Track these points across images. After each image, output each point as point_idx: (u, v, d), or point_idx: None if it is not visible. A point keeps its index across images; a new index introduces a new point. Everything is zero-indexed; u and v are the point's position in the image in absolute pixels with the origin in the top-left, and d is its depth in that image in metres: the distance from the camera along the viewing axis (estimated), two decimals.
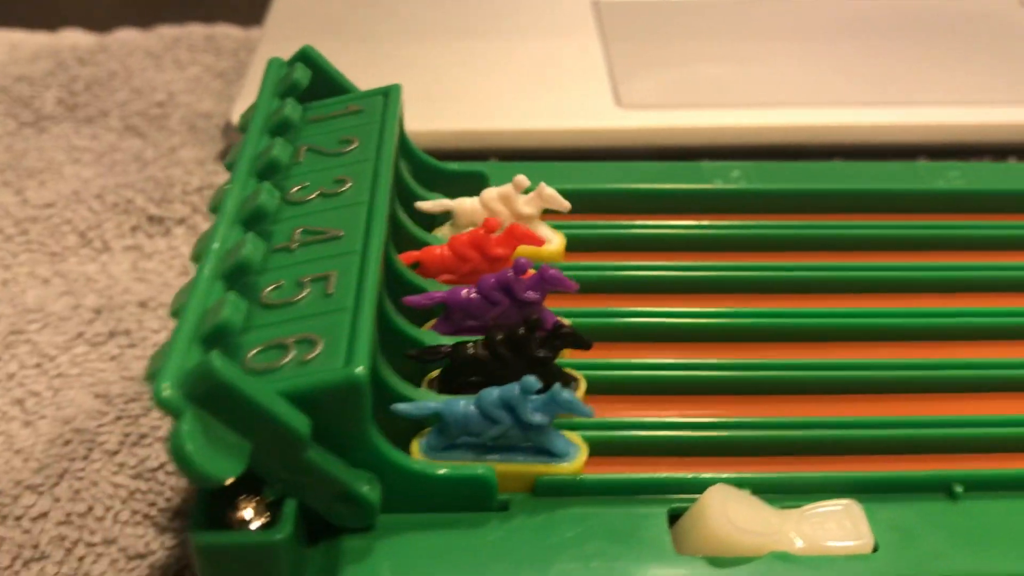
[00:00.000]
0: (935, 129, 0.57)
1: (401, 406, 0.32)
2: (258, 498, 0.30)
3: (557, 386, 0.32)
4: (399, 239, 0.39)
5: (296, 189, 0.37)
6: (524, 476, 0.33)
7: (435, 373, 0.36)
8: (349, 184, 0.36)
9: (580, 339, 0.35)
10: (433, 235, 0.40)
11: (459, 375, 0.35)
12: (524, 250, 0.40)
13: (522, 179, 0.41)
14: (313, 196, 0.36)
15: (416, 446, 0.33)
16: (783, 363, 0.38)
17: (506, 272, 0.37)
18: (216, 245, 0.32)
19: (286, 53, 0.42)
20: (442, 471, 0.32)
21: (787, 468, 0.34)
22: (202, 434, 0.27)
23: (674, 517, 0.33)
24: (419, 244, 0.39)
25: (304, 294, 0.32)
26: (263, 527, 0.30)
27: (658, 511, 0.33)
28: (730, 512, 0.32)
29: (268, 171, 0.35)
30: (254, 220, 0.34)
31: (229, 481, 0.27)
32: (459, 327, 0.37)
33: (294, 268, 0.33)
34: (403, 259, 0.39)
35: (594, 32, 0.66)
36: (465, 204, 0.41)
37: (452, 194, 0.43)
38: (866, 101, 0.59)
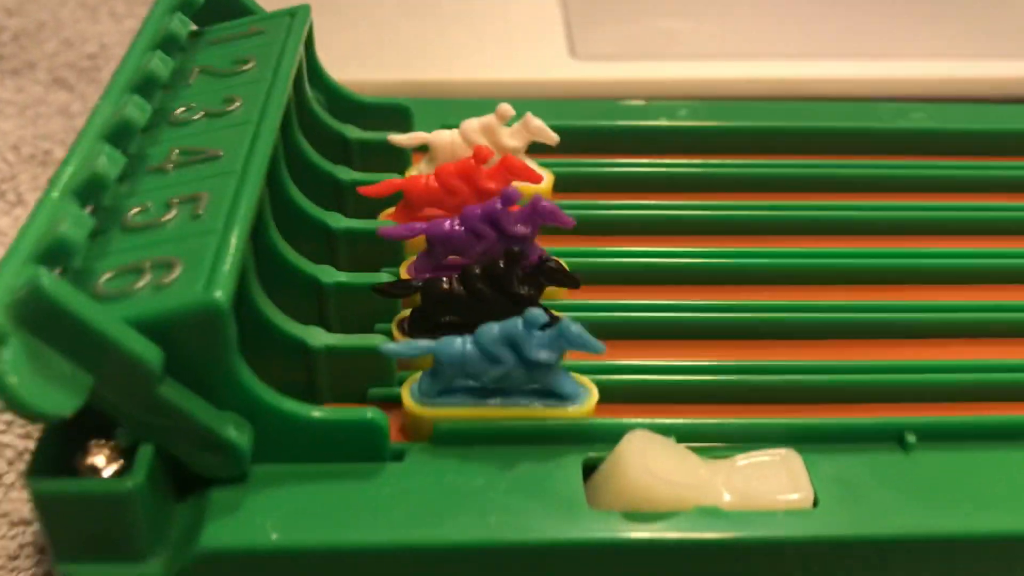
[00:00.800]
0: (905, 83, 0.53)
1: (389, 345, 0.29)
2: (113, 443, 0.27)
3: (566, 319, 0.28)
4: (300, 170, 0.35)
5: (181, 110, 0.33)
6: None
7: (405, 312, 0.32)
8: (238, 104, 0.33)
9: (567, 276, 0.31)
10: (342, 168, 0.36)
11: (432, 314, 0.31)
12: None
13: (506, 108, 0.37)
14: (198, 117, 0.33)
15: (406, 392, 0.30)
16: (725, 304, 0.34)
17: (494, 202, 0.33)
18: (72, 165, 0.29)
19: None
20: (322, 415, 0.28)
21: (721, 415, 0.31)
22: (30, 363, 0.23)
23: (592, 468, 0.29)
24: (324, 176, 0.36)
25: (170, 216, 0.29)
26: (115, 475, 0.26)
27: (572, 460, 0.29)
28: (650, 461, 0.28)
29: (145, 86, 0.32)
30: (120, 136, 0.30)
31: (68, 415, 0.24)
32: (441, 264, 0.34)
33: (165, 190, 0.30)
34: (384, 188, 0.35)
35: None
36: (443, 137, 0.38)
37: (372, 128, 0.39)
38: (831, 54, 0.55)
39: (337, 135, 0.38)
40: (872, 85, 0.52)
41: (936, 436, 0.30)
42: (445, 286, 0.31)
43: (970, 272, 0.36)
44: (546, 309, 0.31)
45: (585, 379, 0.31)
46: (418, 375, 0.30)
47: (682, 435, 0.30)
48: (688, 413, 0.31)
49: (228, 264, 0.26)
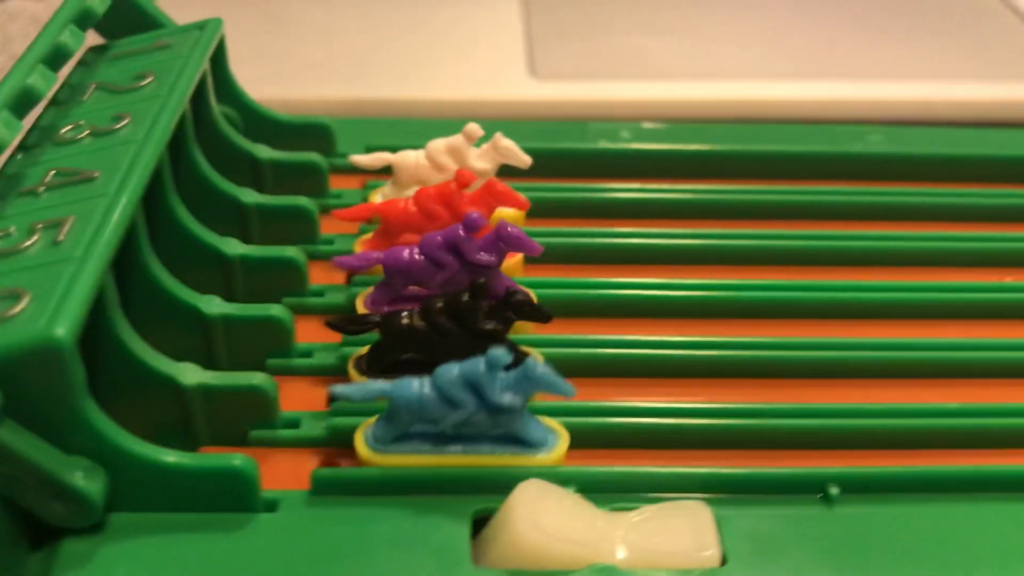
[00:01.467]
0: (868, 105, 0.51)
1: (341, 388, 0.26)
2: None
3: (531, 359, 0.26)
4: (197, 192, 0.33)
5: (68, 129, 0.31)
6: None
7: (363, 350, 0.30)
8: (126, 121, 0.31)
9: (536, 309, 0.29)
10: (247, 190, 0.34)
11: (391, 351, 0.29)
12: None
13: (474, 128, 0.35)
14: (83, 136, 0.31)
15: (359, 439, 0.28)
16: (650, 342, 0.32)
17: (456, 229, 0.31)
18: None
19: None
20: (178, 460, 0.25)
21: (628, 462, 0.28)
22: None
23: (484, 521, 0.27)
24: (225, 199, 0.34)
25: (31, 242, 0.26)
26: None
27: (460, 513, 0.27)
28: (541, 515, 0.26)
29: (21, 103, 0.30)
30: None
31: None
32: (400, 295, 0.31)
33: (32, 214, 0.28)
34: (359, 212, 0.33)
35: (516, 2, 0.60)
36: (408, 158, 0.35)
37: (291, 149, 0.37)
38: (794, 74, 0.53)
39: (246, 155, 0.36)
40: (835, 107, 0.49)
41: (861, 488, 0.28)
42: (405, 321, 0.29)
43: (913, 307, 0.34)
44: (513, 345, 0.29)
45: (554, 422, 0.29)
46: (372, 420, 0.28)
47: (585, 484, 0.27)
48: (571, 460, 0.28)
49: (79, 296, 0.24)
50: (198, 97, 0.34)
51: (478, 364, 0.26)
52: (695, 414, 0.30)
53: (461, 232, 0.31)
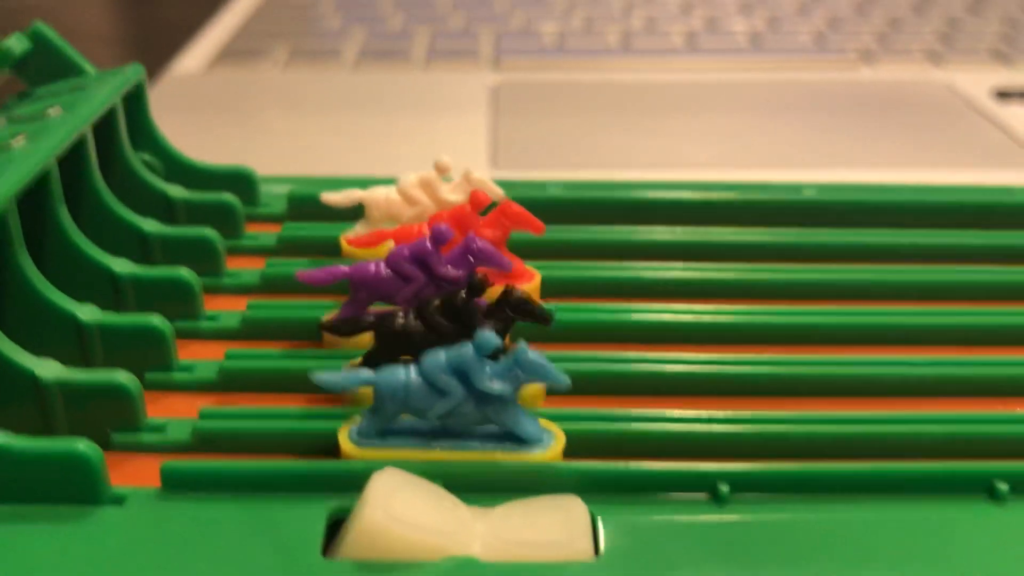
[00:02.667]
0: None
1: (324, 376, 0.25)
2: None
3: (523, 344, 0.25)
4: (99, 220, 0.33)
5: None
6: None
7: (358, 360, 0.29)
8: (21, 140, 0.31)
9: (537, 310, 0.28)
10: (149, 220, 0.34)
11: (386, 354, 0.28)
12: None
13: (445, 162, 0.34)
14: None
15: (344, 435, 0.26)
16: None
17: (423, 242, 0.30)
18: None
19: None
20: (16, 443, 0.24)
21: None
22: None
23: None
24: (126, 226, 0.33)
25: None
26: None
27: (317, 508, 0.25)
28: (395, 502, 0.24)
29: None
30: None
31: None
32: (364, 311, 0.30)
33: None
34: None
35: (486, 109, 0.61)
36: (378, 194, 0.35)
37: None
38: (750, 166, 0.52)
39: (160, 195, 0.35)
40: None
41: (751, 487, 0.26)
42: (400, 321, 0.28)
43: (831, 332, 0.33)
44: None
45: (548, 422, 0.27)
46: (357, 418, 0.27)
47: (454, 479, 0.25)
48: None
49: None
50: (108, 132, 0.34)
51: (466, 349, 0.25)
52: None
53: (428, 245, 0.30)
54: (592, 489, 0.25)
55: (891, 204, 0.40)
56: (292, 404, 0.29)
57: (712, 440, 0.28)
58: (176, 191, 0.36)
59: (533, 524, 0.24)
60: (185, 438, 0.27)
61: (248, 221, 0.38)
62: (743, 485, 0.26)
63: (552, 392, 0.29)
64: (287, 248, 0.36)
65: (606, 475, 0.26)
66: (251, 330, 0.32)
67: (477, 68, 0.66)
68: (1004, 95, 0.60)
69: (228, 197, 0.36)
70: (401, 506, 0.24)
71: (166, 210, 0.35)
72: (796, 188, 0.41)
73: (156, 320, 0.29)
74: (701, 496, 0.26)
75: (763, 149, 0.54)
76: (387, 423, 0.26)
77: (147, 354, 0.29)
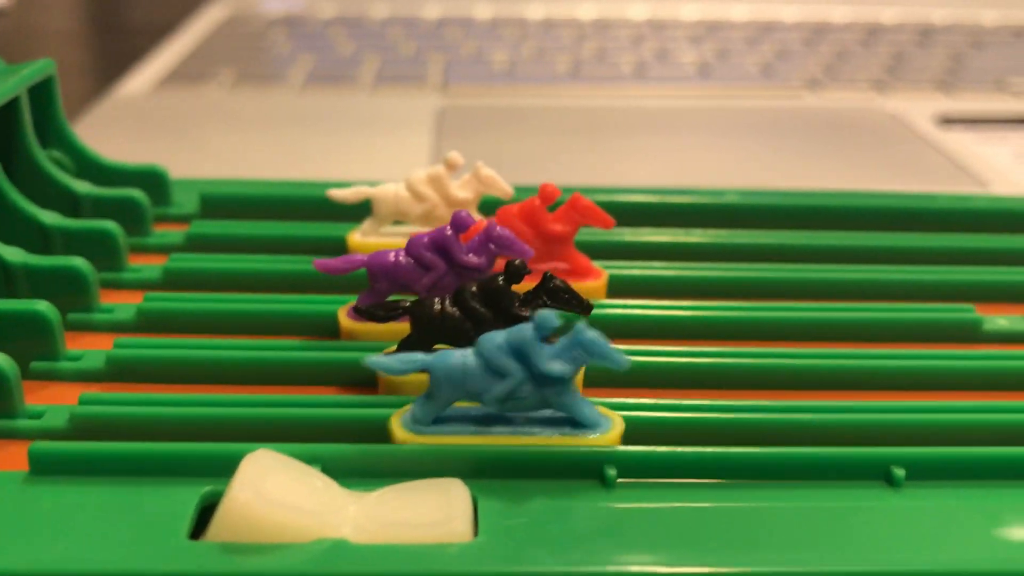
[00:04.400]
0: None
1: (377, 359, 0.24)
2: None
3: (581, 324, 0.24)
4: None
5: None
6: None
7: (391, 349, 0.28)
8: None
9: (576, 298, 0.27)
10: (50, 212, 0.33)
11: (422, 340, 0.27)
12: None
13: (455, 157, 0.34)
14: None
15: (396, 423, 0.25)
16: None
17: (443, 229, 0.29)
18: None
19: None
20: None
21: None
22: None
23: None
24: (24, 217, 0.32)
25: None
26: None
27: (187, 493, 0.24)
28: (265, 482, 0.23)
29: None
30: None
31: None
32: (383, 301, 0.29)
33: None
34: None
35: (429, 131, 0.60)
36: (387, 191, 0.34)
37: None
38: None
39: (66, 190, 0.35)
40: None
41: (639, 472, 0.25)
42: (437, 307, 0.27)
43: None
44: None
45: (608, 411, 0.26)
46: (407, 408, 0.26)
47: (338, 464, 0.25)
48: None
49: None
50: (11, 124, 0.33)
51: (525, 330, 0.24)
52: None
53: (449, 232, 0.29)
54: (479, 473, 0.25)
55: (808, 207, 0.39)
56: (179, 392, 0.28)
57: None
58: (82, 187, 0.35)
59: (410, 506, 0.23)
60: (61, 424, 0.26)
61: (159, 221, 0.37)
62: (632, 471, 0.25)
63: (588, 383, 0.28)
64: (194, 245, 0.35)
65: (489, 457, 0.25)
66: (144, 322, 0.31)
67: (424, 93, 0.65)
68: (947, 121, 0.60)
69: (134, 193, 0.35)
70: (271, 487, 0.23)
71: (72, 206, 0.35)
72: (720, 193, 0.40)
73: (43, 307, 0.28)
74: (592, 481, 0.25)
75: (705, 168, 0.54)
76: (443, 408, 0.25)
77: (33, 343, 0.28)
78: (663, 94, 0.66)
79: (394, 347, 0.28)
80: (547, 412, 0.25)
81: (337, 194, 0.34)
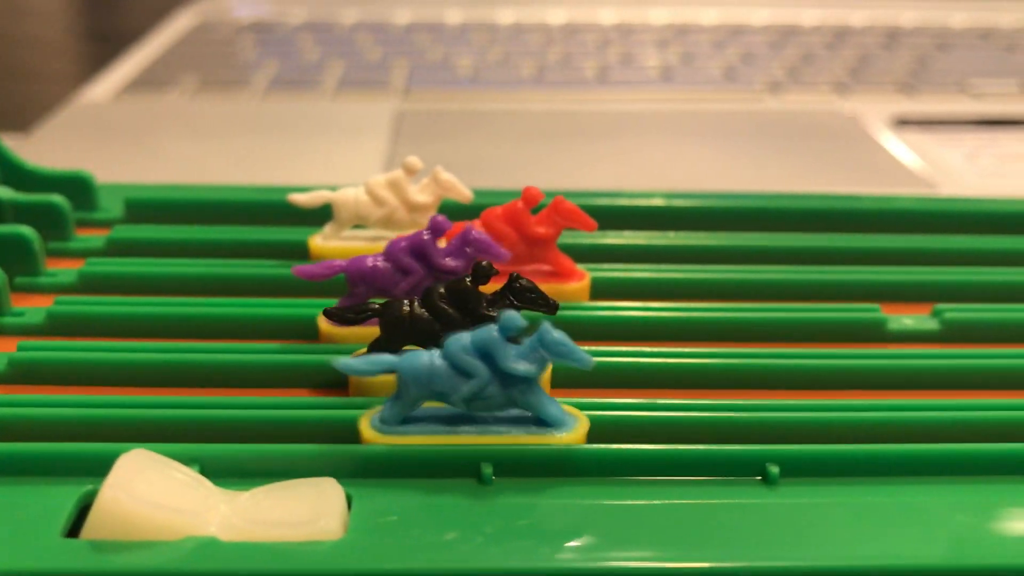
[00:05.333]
0: None
1: (345, 360, 0.25)
2: None
3: (546, 324, 0.24)
4: None
5: None
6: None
7: (361, 351, 0.29)
8: None
9: (542, 298, 0.27)
10: None
11: (392, 341, 0.28)
12: None
13: (414, 161, 0.34)
14: None
15: (365, 424, 0.26)
16: None
17: (420, 234, 0.29)
18: None
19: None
20: None
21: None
22: None
23: None
24: None
25: None
26: None
27: (65, 492, 0.24)
28: (136, 481, 0.23)
29: None
30: None
31: None
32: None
33: None
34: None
35: (386, 136, 0.61)
36: (347, 195, 0.35)
37: None
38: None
39: None
40: None
41: (514, 471, 0.25)
42: (405, 309, 0.27)
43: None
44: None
45: (574, 409, 0.27)
46: (378, 409, 0.26)
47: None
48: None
49: None
50: None
51: (491, 330, 0.24)
52: None
53: (426, 236, 0.29)
54: (353, 473, 0.25)
55: (727, 209, 0.40)
56: (79, 394, 0.28)
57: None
58: (2, 192, 0.35)
59: (282, 505, 0.24)
60: None
61: (83, 226, 0.37)
62: (506, 467, 0.25)
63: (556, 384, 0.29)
64: (114, 249, 0.36)
65: (369, 458, 0.25)
66: (53, 326, 0.31)
67: (386, 98, 0.66)
68: (903, 123, 0.61)
69: (55, 199, 0.35)
70: (142, 486, 0.23)
71: None
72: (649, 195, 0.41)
73: None
74: (469, 479, 0.25)
75: (663, 172, 0.54)
76: (411, 409, 0.25)
77: None
78: (624, 99, 0.66)
79: (364, 349, 0.29)
80: (515, 411, 0.26)
81: (297, 199, 0.35)
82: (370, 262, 0.30)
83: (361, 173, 0.55)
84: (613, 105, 0.65)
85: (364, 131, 0.60)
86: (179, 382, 0.29)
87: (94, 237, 0.36)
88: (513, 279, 0.27)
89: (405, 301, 0.27)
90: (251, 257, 0.36)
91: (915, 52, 0.74)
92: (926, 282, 0.35)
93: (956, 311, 0.33)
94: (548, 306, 0.27)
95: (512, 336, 0.24)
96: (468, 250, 0.30)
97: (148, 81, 0.67)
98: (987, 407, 0.28)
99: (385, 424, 0.25)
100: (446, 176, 0.34)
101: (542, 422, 0.26)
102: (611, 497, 0.25)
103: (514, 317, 0.24)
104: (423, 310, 0.27)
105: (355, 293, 0.30)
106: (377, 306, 0.28)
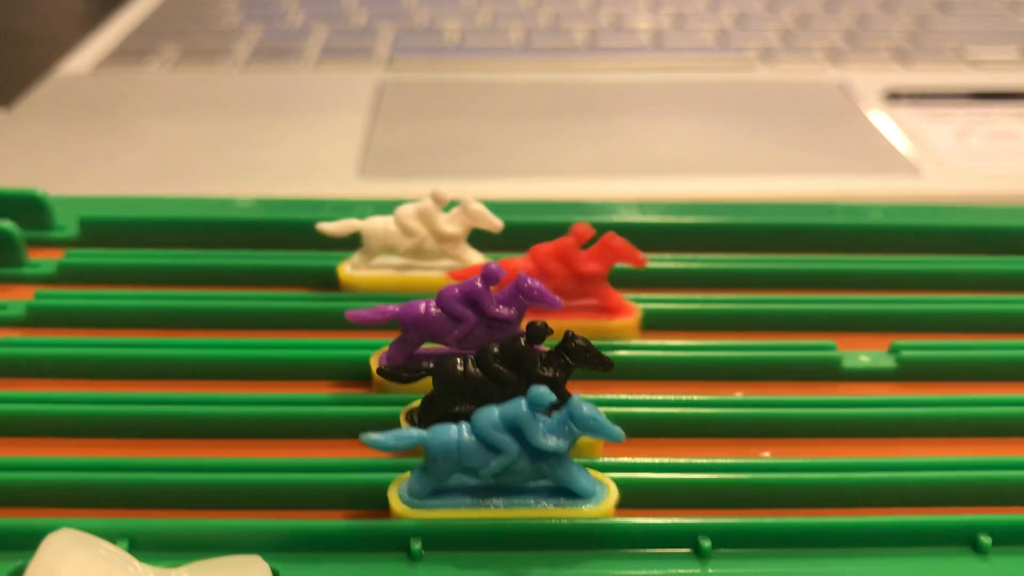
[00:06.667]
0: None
1: (373, 436, 0.25)
2: None
3: (576, 398, 0.24)
4: None
5: None
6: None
7: (415, 404, 0.29)
8: None
9: (597, 356, 0.27)
10: None
11: (445, 401, 0.27)
12: None
13: (442, 193, 0.34)
14: None
15: (394, 495, 0.26)
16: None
17: (474, 281, 0.29)
18: None
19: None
20: None
21: (189, 515, 0.26)
22: None
23: None
24: None
25: None
26: None
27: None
28: (64, 567, 0.23)
29: None
30: None
31: None
32: (414, 351, 0.30)
33: None
34: (474, 272, 0.31)
35: (366, 112, 0.60)
36: (377, 224, 0.35)
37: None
38: (632, 173, 0.52)
39: None
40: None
41: (447, 545, 0.25)
42: (460, 368, 0.27)
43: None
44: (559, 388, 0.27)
45: (599, 474, 0.27)
46: (406, 475, 0.26)
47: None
48: (125, 513, 0.26)
49: None
50: None
51: (519, 405, 0.25)
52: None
53: (479, 284, 0.29)
54: (278, 547, 0.25)
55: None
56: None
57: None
58: None
59: None
60: None
61: (37, 246, 0.37)
62: (436, 543, 0.25)
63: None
64: (67, 277, 0.35)
65: (288, 532, 0.25)
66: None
67: (369, 67, 0.65)
68: (894, 96, 0.59)
69: (6, 226, 0.35)
70: (67, 568, 0.23)
71: None
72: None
73: None
74: (398, 554, 0.25)
75: (647, 151, 0.53)
76: (440, 482, 0.25)
77: None
78: (614, 67, 0.65)
79: (416, 403, 0.29)
80: (545, 481, 0.26)
81: (326, 228, 0.35)
82: (423, 309, 0.30)
83: (337, 154, 0.55)
84: (602, 75, 0.63)
85: (343, 107, 0.60)
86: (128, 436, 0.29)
87: (47, 261, 0.36)
88: (568, 338, 0.27)
89: (459, 360, 0.27)
90: (225, 285, 0.35)
91: (914, 12, 0.72)
92: (885, 312, 0.34)
93: (914, 349, 0.32)
94: (603, 364, 0.27)
95: (540, 411, 0.25)
96: (520, 298, 0.29)
97: (129, 51, 0.67)
98: (931, 466, 0.28)
99: (415, 497, 0.26)
100: (475, 206, 0.34)
101: (572, 493, 0.26)
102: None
103: (543, 393, 0.24)
104: (477, 369, 0.27)
105: (407, 339, 0.30)
106: (431, 365, 0.28)
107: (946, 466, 0.28)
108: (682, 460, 0.28)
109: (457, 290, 0.30)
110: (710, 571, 0.25)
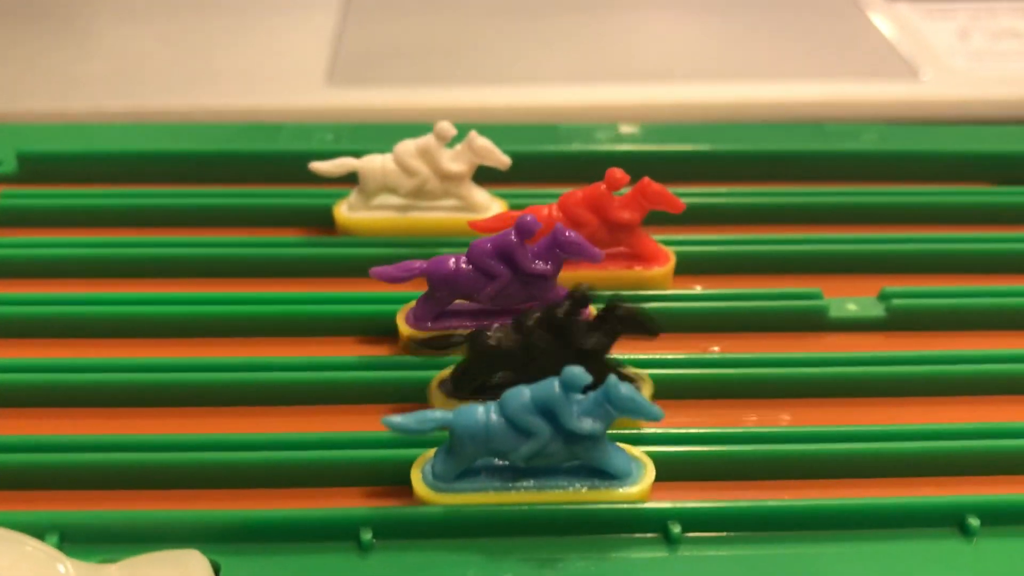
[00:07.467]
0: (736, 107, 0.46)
1: (394, 418, 0.23)
2: None
3: (612, 378, 0.23)
4: None
5: None
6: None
7: (445, 372, 0.27)
8: None
9: (646, 322, 0.25)
10: None
11: (480, 372, 0.26)
12: None
13: (446, 127, 0.32)
14: None
15: (416, 476, 0.24)
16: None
17: (507, 235, 0.28)
18: None
19: None
20: None
21: (125, 505, 0.25)
22: None
23: None
24: None
25: None
26: None
27: None
28: None
29: None
30: None
31: None
32: (443, 309, 0.28)
33: None
34: (498, 222, 0.30)
35: (335, 8, 0.56)
36: (374, 163, 0.33)
37: None
38: (614, 78, 0.49)
39: None
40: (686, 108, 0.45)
41: (400, 533, 0.24)
42: (495, 339, 0.26)
43: None
44: (621, 368, 0.26)
45: (636, 450, 0.25)
46: (431, 452, 0.25)
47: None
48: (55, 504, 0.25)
49: None
50: None
51: (552, 386, 0.23)
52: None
53: (514, 238, 0.27)
54: (222, 539, 0.23)
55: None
56: None
57: None
58: None
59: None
60: None
61: None
62: (387, 531, 0.24)
63: None
64: (4, 220, 0.33)
65: (233, 524, 0.24)
66: None
67: None
68: None
69: None
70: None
71: None
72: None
73: None
74: (349, 543, 0.24)
75: (636, 55, 0.50)
76: (466, 465, 0.24)
77: None
78: None
79: (447, 372, 0.27)
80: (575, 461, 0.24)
81: (319, 167, 0.33)
82: (452, 264, 0.28)
83: (303, 59, 0.52)
84: None
85: (311, 5, 0.57)
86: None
87: None
88: (613, 305, 0.25)
89: (495, 329, 0.26)
90: (196, 227, 0.33)
91: None
92: (876, 253, 0.32)
93: (903, 296, 0.30)
94: (650, 330, 0.26)
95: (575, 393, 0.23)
96: (558, 251, 0.27)
97: None
98: (919, 435, 0.26)
99: (440, 480, 0.24)
100: (481, 142, 0.32)
101: (607, 473, 0.24)
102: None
103: (578, 375, 0.23)
104: (515, 339, 0.25)
105: (436, 297, 0.28)
106: (463, 337, 0.26)
107: (935, 435, 0.26)
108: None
109: (490, 244, 0.28)
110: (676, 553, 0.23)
